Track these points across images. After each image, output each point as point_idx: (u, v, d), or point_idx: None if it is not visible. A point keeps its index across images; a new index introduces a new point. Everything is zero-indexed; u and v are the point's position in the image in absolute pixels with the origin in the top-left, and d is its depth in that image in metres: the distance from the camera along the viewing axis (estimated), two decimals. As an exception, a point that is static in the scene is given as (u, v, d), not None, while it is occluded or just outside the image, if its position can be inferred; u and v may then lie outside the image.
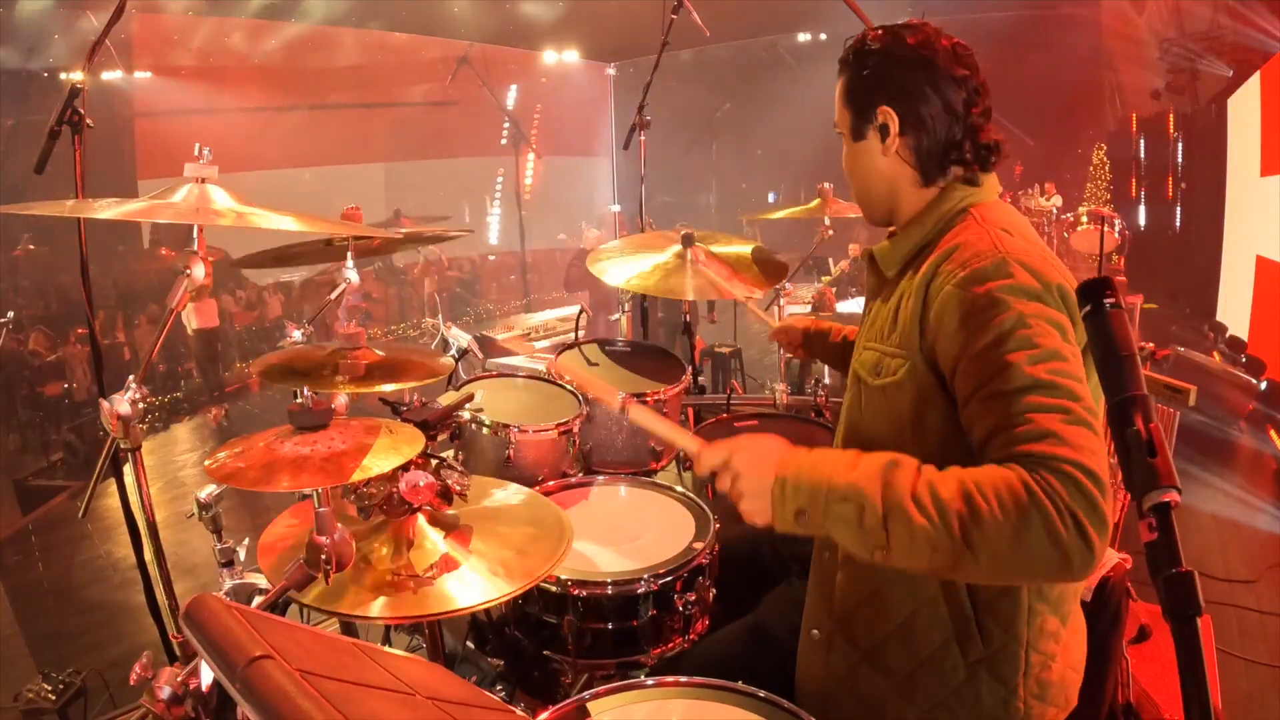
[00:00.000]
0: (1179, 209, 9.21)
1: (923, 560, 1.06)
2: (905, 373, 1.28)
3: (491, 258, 13.14)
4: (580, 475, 2.25)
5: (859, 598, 1.37)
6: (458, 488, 1.56)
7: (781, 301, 3.20)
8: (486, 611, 1.98)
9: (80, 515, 1.84)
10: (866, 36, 1.40)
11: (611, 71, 13.38)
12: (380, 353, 1.75)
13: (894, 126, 1.36)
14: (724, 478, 1.20)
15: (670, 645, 1.76)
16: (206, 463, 1.43)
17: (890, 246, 1.42)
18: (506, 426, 2.18)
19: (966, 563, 1.04)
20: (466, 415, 2.16)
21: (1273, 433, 5.53)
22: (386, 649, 1.08)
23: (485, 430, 2.19)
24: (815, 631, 1.44)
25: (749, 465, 1.17)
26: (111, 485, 2.07)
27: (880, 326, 1.37)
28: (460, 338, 2.34)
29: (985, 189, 1.37)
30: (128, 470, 1.84)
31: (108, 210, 1.46)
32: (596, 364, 2.66)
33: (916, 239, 1.37)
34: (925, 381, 1.26)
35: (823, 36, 10.90)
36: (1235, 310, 7.25)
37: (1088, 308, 0.88)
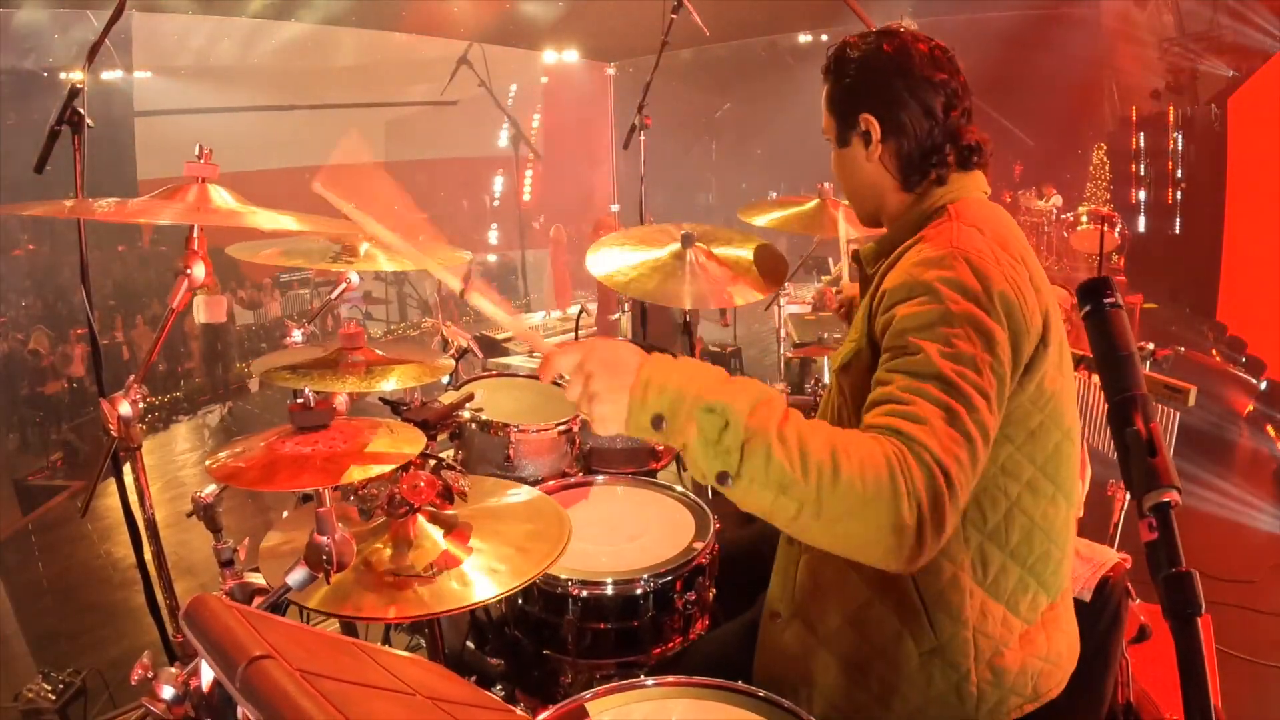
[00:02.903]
0: (1179, 209, 9.22)
1: (765, 499, 1.03)
2: (852, 354, 1.30)
3: (491, 257, 13.14)
4: (580, 475, 2.25)
5: (817, 583, 1.39)
6: (459, 488, 1.56)
7: (782, 301, 3.20)
8: (486, 611, 1.98)
9: (80, 515, 1.84)
10: (847, 44, 1.42)
11: (611, 71, 13.38)
12: (380, 352, 1.75)
13: (876, 134, 1.37)
14: (576, 381, 1.10)
15: (670, 645, 1.76)
16: (207, 463, 1.43)
17: (875, 245, 1.44)
18: (506, 426, 2.18)
19: (806, 516, 1.02)
20: (466, 415, 2.16)
21: (1273, 432, 5.53)
22: (387, 649, 1.08)
23: (485, 430, 2.19)
24: (776, 614, 1.46)
25: (605, 364, 1.08)
26: (111, 485, 2.06)
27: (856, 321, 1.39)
28: (460, 338, 2.34)
29: (967, 185, 1.38)
30: (127, 470, 1.84)
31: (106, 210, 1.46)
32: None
33: (900, 237, 1.39)
34: (868, 362, 1.26)
35: (823, 37, 10.90)
36: (1235, 310, 7.25)
37: (1088, 308, 0.88)
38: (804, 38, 11.31)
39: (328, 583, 1.30)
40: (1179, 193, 9.22)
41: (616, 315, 4.28)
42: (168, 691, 1.00)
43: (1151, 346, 2.60)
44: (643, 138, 3.38)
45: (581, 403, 1.10)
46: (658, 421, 1.06)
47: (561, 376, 1.12)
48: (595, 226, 7.01)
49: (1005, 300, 1.17)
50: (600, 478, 2.19)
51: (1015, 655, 1.32)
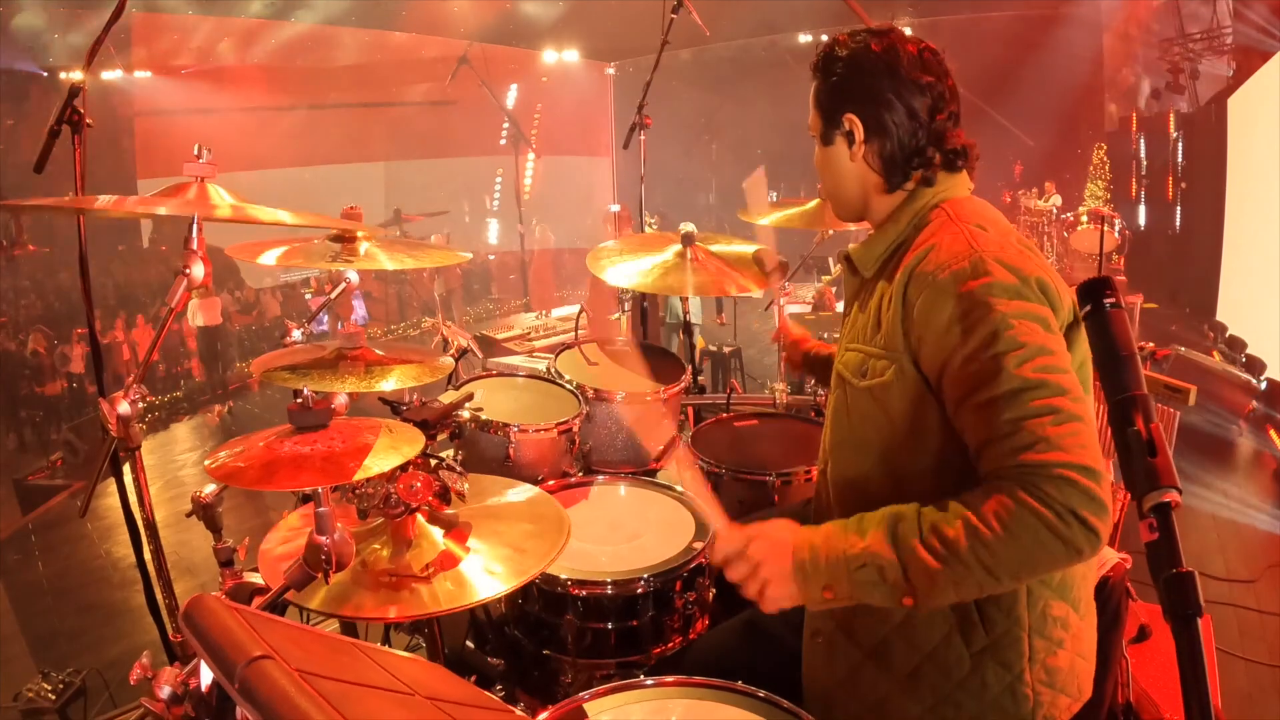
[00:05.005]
0: (1179, 209, 9.22)
1: (949, 595, 1.12)
2: (893, 374, 1.29)
3: (491, 257, 13.13)
4: (580, 475, 2.25)
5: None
6: (457, 488, 1.56)
7: (781, 301, 3.21)
8: (486, 611, 1.97)
9: (80, 515, 1.83)
10: (836, 43, 1.42)
11: (611, 71, 13.39)
12: (380, 352, 1.75)
13: (859, 134, 1.38)
14: (740, 567, 1.21)
15: (670, 645, 1.76)
16: (206, 462, 1.43)
17: (865, 247, 1.43)
18: (506, 426, 2.18)
19: (990, 584, 1.11)
20: (466, 415, 2.16)
21: (1273, 433, 5.53)
22: (386, 649, 1.08)
23: (485, 430, 2.19)
24: (817, 634, 1.44)
25: (767, 553, 1.20)
26: (111, 485, 2.06)
27: (863, 328, 1.38)
28: (460, 337, 2.33)
29: (956, 185, 1.38)
30: (127, 470, 1.84)
31: (105, 204, 1.46)
32: (596, 363, 2.66)
33: (891, 238, 1.38)
34: (914, 382, 1.27)
35: (823, 36, 10.89)
36: (1235, 310, 7.25)
37: (1088, 307, 0.88)
38: (804, 38, 11.30)
39: (326, 582, 1.30)
40: (1179, 193, 9.22)
41: (616, 315, 4.27)
42: (167, 691, 1.00)
43: (1151, 346, 2.61)
44: (643, 137, 3.38)
45: (751, 586, 1.21)
46: (827, 591, 1.17)
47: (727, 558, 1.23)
48: (616, 221, 6.90)
49: (1041, 284, 1.22)
50: (600, 478, 2.19)
51: (1066, 654, 1.31)
